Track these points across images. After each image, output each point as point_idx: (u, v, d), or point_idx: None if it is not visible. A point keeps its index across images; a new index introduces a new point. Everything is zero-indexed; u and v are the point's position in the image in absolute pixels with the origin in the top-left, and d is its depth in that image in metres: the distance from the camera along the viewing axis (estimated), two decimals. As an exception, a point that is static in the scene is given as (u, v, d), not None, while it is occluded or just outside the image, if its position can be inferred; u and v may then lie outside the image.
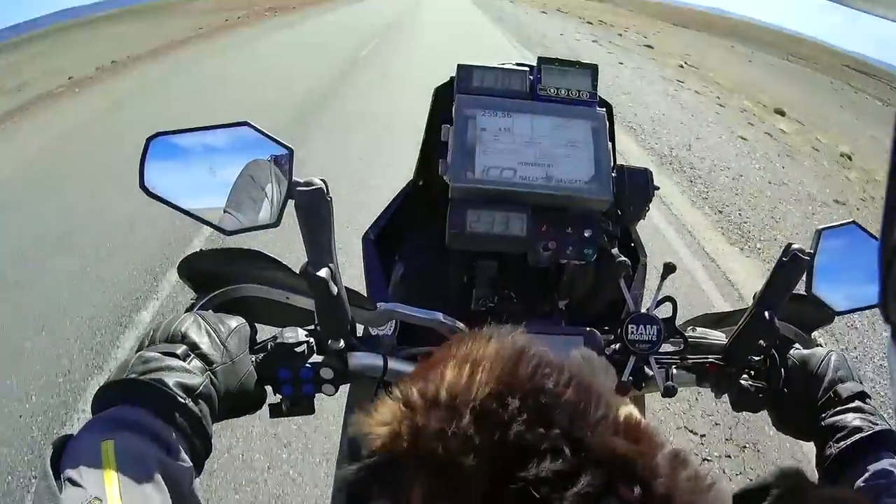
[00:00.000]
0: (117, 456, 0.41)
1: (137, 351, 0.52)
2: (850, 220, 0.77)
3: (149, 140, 0.64)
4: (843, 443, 0.62)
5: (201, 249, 0.68)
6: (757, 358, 0.69)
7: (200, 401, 0.49)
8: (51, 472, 0.39)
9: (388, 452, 0.35)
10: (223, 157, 0.65)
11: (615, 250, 0.67)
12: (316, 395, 0.62)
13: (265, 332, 0.65)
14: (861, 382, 0.68)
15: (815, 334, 0.78)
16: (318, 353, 0.61)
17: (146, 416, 0.45)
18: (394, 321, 0.66)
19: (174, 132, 0.65)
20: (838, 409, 0.66)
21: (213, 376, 0.52)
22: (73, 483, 0.39)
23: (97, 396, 0.47)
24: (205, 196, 0.64)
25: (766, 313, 0.66)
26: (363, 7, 22.25)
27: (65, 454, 0.41)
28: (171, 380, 0.47)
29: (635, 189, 0.67)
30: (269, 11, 19.63)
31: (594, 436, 0.33)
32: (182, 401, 0.47)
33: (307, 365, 0.60)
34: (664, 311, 0.65)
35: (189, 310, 0.66)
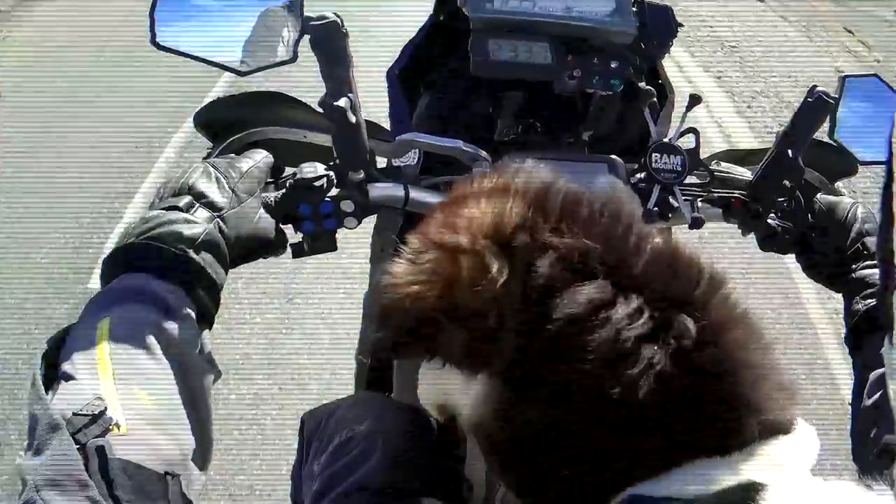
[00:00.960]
0: (111, 331, 0.38)
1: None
2: (873, 72, 0.76)
3: None
4: (870, 301, 0.61)
5: (216, 97, 0.67)
6: (782, 199, 0.68)
7: (203, 251, 0.45)
8: (39, 372, 0.35)
9: (418, 307, 0.33)
10: (235, 2, 0.65)
11: (642, 84, 0.66)
12: (338, 229, 0.61)
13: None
14: None
15: (838, 184, 0.77)
16: (338, 187, 0.61)
17: (145, 280, 0.42)
18: (417, 153, 0.65)
19: None
20: (867, 263, 0.65)
21: (221, 222, 0.49)
22: (67, 377, 0.35)
23: (101, 273, 0.44)
24: (218, 42, 0.64)
25: (790, 152, 0.65)
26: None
27: (63, 346, 0.38)
28: (169, 234, 0.44)
29: (657, 24, 0.66)
30: None
31: (634, 264, 0.31)
32: (179, 253, 0.43)
33: (327, 199, 0.60)
34: (688, 144, 0.64)
35: (206, 158, 0.66)
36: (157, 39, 0.63)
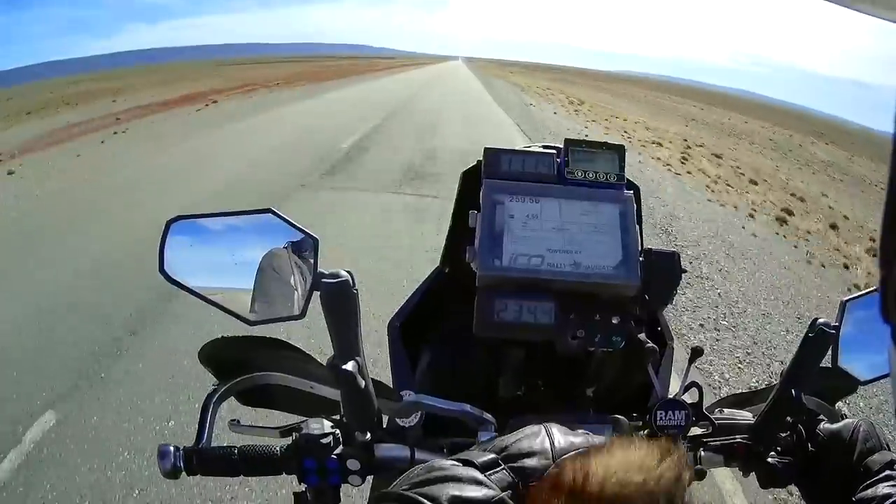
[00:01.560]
0: None
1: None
2: (874, 287, 0.77)
3: (169, 223, 0.63)
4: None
5: (223, 336, 0.67)
6: (784, 434, 0.69)
7: None
8: None
9: None
10: (246, 243, 0.64)
11: (642, 336, 0.66)
12: (342, 485, 0.61)
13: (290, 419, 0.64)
14: (889, 449, 0.68)
15: (839, 405, 0.78)
16: (344, 445, 0.61)
17: None
18: (420, 413, 0.65)
19: (195, 216, 0.64)
20: (870, 481, 0.66)
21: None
22: None
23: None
24: (226, 283, 0.64)
25: (793, 391, 0.66)
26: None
27: None
28: (449, 496, 0.38)
29: (663, 272, 0.66)
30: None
31: None
32: None
33: (333, 456, 0.60)
34: (691, 395, 0.65)
35: (210, 396, 0.66)
36: (165, 269, 0.62)
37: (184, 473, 0.60)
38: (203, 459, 0.60)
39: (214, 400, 0.65)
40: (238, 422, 0.66)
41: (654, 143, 12.42)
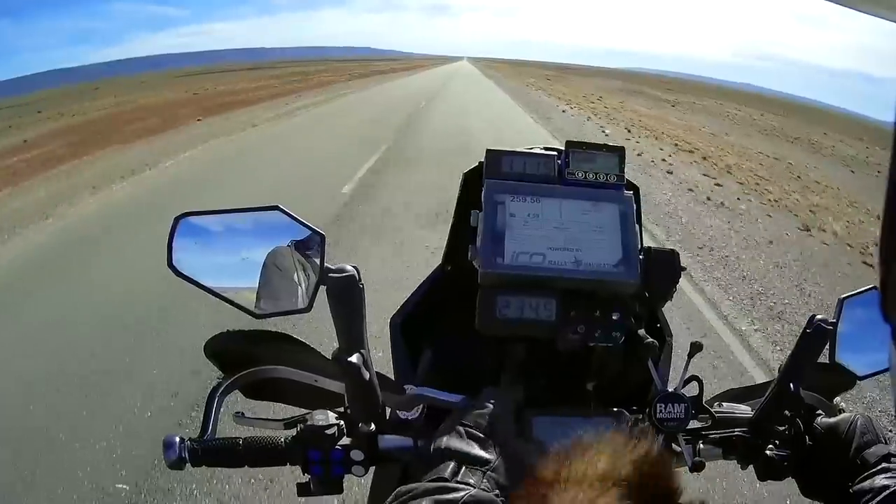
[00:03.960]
0: None
1: None
2: (871, 286, 0.78)
3: (177, 219, 0.64)
4: (871, 502, 0.63)
5: (228, 330, 0.68)
6: (782, 428, 0.70)
7: None
8: None
9: None
10: (253, 239, 0.65)
11: (642, 331, 0.67)
12: (345, 475, 0.62)
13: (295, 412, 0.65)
14: (886, 442, 0.68)
15: (836, 399, 0.78)
16: (347, 436, 0.62)
17: None
18: (422, 406, 0.66)
19: (203, 213, 0.65)
20: (866, 474, 0.66)
21: (493, 474, 0.50)
22: None
23: None
24: (234, 278, 0.65)
25: (791, 385, 0.67)
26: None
27: None
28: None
29: (662, 271, 0.67)
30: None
31: None
32: None
33: (337, 447, 0.61)
34: (691, 389, 0.66)
35: (215, 389, 0.67)
36: (173, 263, 0.63)
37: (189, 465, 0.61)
38: (208, 450, 0.61)
39: (220, 393, 0.66)
40: (243, 414, 0.67)
41: None
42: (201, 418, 0.65)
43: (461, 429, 0.53)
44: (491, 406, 0.56)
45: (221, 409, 0.66)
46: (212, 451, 0.61)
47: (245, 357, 0.67)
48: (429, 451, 0.61)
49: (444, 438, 0.52)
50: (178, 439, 0.60)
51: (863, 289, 0.77)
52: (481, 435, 0.53)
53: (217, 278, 0.64)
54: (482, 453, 0.50)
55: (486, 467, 0.49)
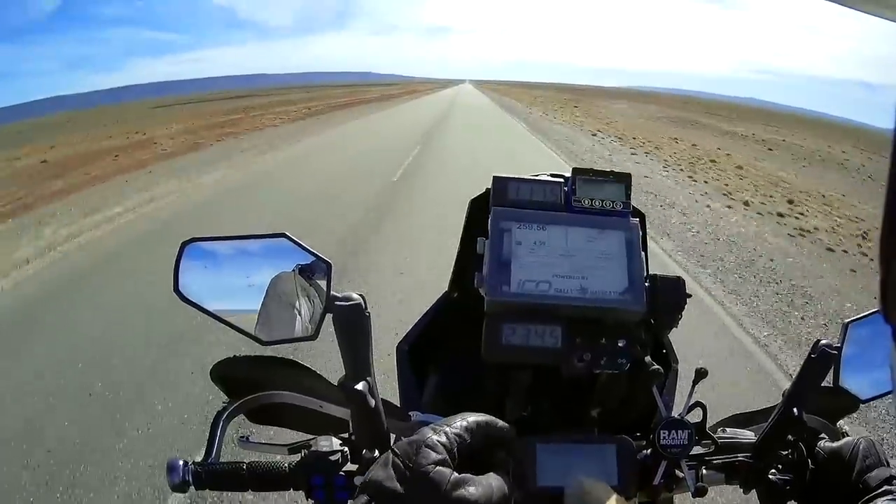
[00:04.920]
0: None
1: None
2: (875, 310, 0.78)
3: (183, 245, 0.65)
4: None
5: (235, 355, 0.69)
6: (785, 452, 0.70)
7: None
8: None
9: None
10: (259, 266, 0.66)
11: (648, 358, 0.68)
12: (348, 501, 0.62)
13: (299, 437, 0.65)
14: (888, 465, 0.69)
15: (840, 423, 0.79)
16: (352, 462, 0.62)
17: None
18: None
19: (210, 239, 0.66)
20: (868, 497, 0.67)
21: None
22: None
23: None
24: (240, 304, 0.66)
25: (795, 410, 0.67)
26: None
27: None
28: None
29: (668, 298, 0.67)
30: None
31: None
32: None
33: (341, 473, 0.61)
34: (695, 415, 0.66)
35: (220, 413, 0.68)
36: (180, 288, 0.64)
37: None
38: (212, 473, 0.61)
39: (224, 417, 0.67)
40: (247, 438, 0.68)
41: None
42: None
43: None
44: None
45: (226, 434, 0.67)
46: (216, 475, 0.62)
47: (251, 382, 0.68)
48: None
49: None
50: (181, 463, 0.61)
51: (867, 312, 0.77)
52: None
53: (223, 304, 0.65)
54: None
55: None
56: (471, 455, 0.46)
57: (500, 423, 0.51)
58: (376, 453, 0.62)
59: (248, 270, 0.66)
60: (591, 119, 25.15)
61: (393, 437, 0.65)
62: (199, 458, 0.63)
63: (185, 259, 0.65)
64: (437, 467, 0.42)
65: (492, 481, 0.44)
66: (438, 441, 0.44)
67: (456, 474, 0.42)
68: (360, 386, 0.59)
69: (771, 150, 20.82)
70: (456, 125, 20.24)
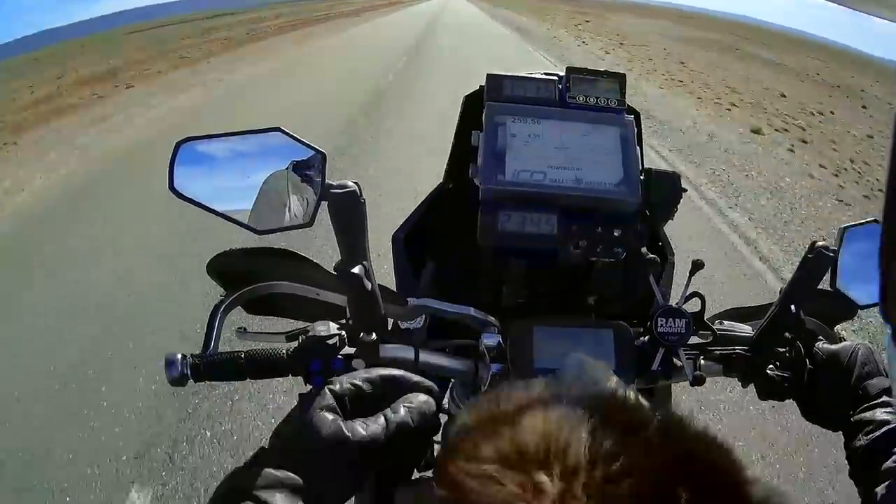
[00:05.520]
0: None
1: None
2: (873, 218, 0.79)
3: (178, 144, 0.65)
4: (871, 435, 0.64)
5: (230, 248, 0.69)
6: (782, 350, 0.70)
7: None
8: None
9: None
10: (254, 161, 0.66)
11: (644, 249, 0.68)
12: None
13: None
14: (887, 375, 0.69)
15: (837, 328, 0.79)
16: (349, 346, 0.62)
17: None
18: (424, 317, 0.67)
19: (204, 137, 0.66)
20: (866, 405, 0.67)
21: None
22: None
23: None
24: (236, 198, 0.66)
25: (792, 307, 0.67)
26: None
27: None
28: None
29: (663, 192, 0.68)
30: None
31: None
32: None
33: (339, 356, 0.61)
34: (693, 307, 0.66)
35: (217, 306, 0.67)
36: (175, 186, 0.64)
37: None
38: (210, 364, 0.61)
39: (222, 310, 0.67)
40: (245, 329, 0.68)
41: None
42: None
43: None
44: None
45: (225, 330, 0.66)
46: (213, 365, 0.61)
47: (247, 274, 0.68)
48: (428, 363, 0.62)
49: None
50: (179, 356, 0.60)
51: (864, 220, 0.77)
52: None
53: (219, 198, 0.66)
54: None
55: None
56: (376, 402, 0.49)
57: (415, 377, 0.53)
58: (374, 336, 0.62)
59: (244, 165, 0.67)
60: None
61: (391, 321, 0.65)
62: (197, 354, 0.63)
63: (180, 158, 0.66)
64: (321, 412, 0.46)
65: (377, 423, 0.47)
66: (330, 390, 0.49)
67: (339, 419, 0.46)
68: (356, 270, 0.59)
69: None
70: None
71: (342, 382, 0.50)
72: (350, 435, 0.45)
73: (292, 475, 0.41)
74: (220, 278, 0.68)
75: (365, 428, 0.46)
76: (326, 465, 0.43)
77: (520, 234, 0.65)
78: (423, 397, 0.49)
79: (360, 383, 0.50)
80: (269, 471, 0.42)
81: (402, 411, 0.48)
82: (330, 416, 0.46)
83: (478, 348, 0.63)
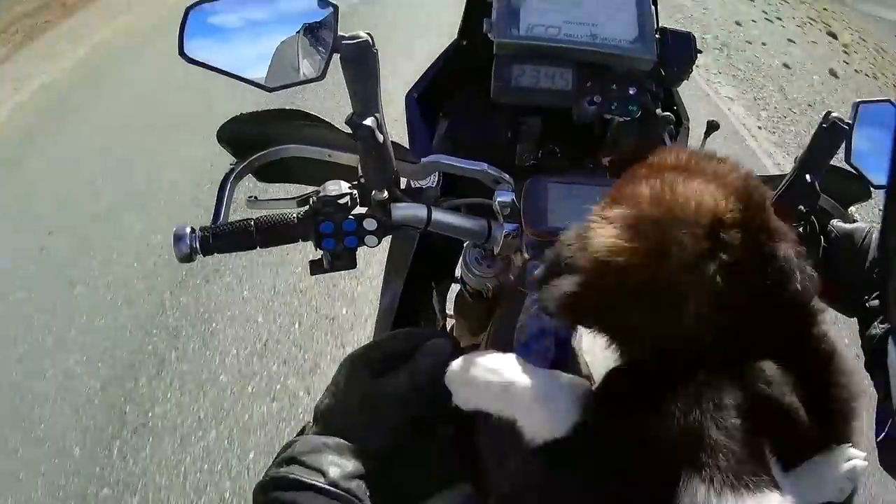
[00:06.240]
0: None
1: None
2: (887, 98, 0.77)
3: (188, 10, 0.64)
4: (886, 324, 0.63)
5: (239, 114, 0.67)
6: (797, 224, 0.69)
7: None
8: None
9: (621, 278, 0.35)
10: (266, 20, 0.65)
11: (658, 110, 0.67)
12: (358, 248, 0.61)
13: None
14: None
15: (851, 209, 0.78)
16: (361, 205, 0.61)
17: None
18: (437, 175, 0.66)
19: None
20: (881, 292, 0.66)
21: None
22: None
23: None
24: (247, 58, 0.65)
25: (808, 176, 0.67)
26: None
27: None
28: None
29: (678, 51, 0.67)
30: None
31: None
32: None
33: (350, 216, 0.60)
34: None
35: (227, 175, 0.66)
36: (185, 51, 0.63)
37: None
38: (219, 235, 0.59)
39: (231, 179, 0.65)
40: (256, 198, 0.67)
41: None
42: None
43: None
44: None
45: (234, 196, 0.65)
46: (223, 236, 0.60)
47: (257, 139, 0.67)
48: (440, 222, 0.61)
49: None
50: (188, 230, 0.59)
51: (878, 98, 0.76)
52: None
53: (229, 60, 0.64)
54: None
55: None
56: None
57: (428, 330, 0.56)
58: (385, 194, 0.61)
59: (255, 25, 0.66)
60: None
61: (403, 180, 0.64)
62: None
63: (191, 22, 0.64)
64: (353, 377, 0.48)
65: (403, 377, 0.48)
66: (365, 352, 0.50)
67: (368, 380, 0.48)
68: (368, 122, 0.58)
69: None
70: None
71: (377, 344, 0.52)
72: (380, 390, 0.47)
73: (336, 438, 0.44)
74: (230, 146, 0.67)
75: (395, 380, 0.48)
76: (364, 422, 0.45)
77: (534, 90, 0.65)
78: (439, 341, 0.50)
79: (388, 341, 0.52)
80: (313, 437, 0.44)
81: (421, 359, 0.49)
82: (361, 379, 0.48)
83: (491, 207, 0.62)
